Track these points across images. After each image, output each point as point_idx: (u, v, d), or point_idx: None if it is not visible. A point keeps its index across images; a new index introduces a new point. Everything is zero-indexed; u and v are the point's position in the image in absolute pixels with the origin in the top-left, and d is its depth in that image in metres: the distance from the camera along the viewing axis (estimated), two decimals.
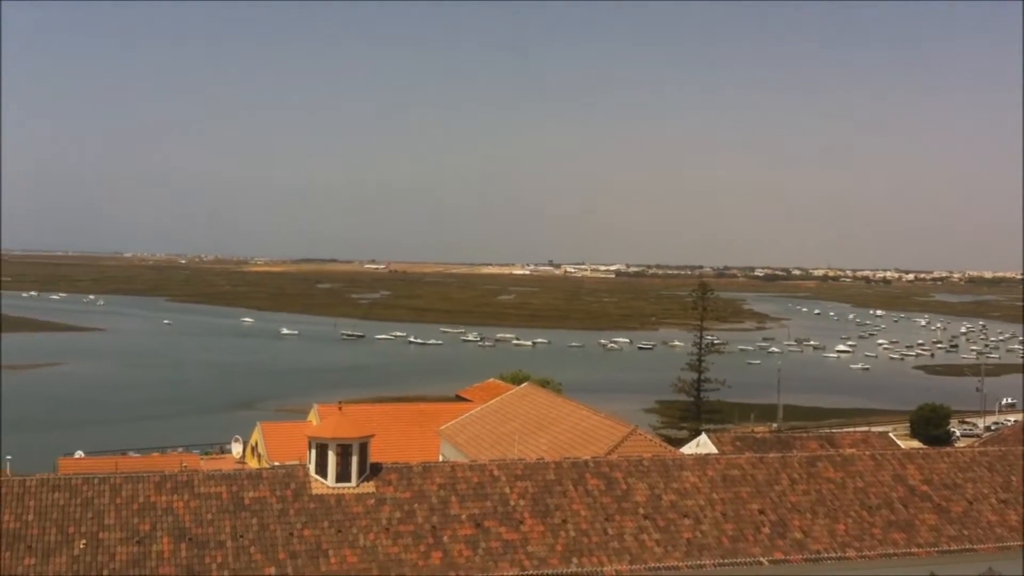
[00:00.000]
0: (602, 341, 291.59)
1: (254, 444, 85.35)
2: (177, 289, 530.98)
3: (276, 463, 62.06)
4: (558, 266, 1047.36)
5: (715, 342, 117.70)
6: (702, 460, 37.76)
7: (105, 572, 29.33)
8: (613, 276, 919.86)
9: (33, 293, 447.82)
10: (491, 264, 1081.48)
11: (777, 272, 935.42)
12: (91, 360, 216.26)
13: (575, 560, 31.95)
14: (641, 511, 34.23)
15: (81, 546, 30.00)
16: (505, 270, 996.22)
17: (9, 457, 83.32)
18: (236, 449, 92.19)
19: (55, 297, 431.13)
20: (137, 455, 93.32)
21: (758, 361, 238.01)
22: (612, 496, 34.60)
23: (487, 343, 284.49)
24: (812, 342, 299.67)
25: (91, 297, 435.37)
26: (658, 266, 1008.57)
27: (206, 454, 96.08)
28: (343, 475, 33.18)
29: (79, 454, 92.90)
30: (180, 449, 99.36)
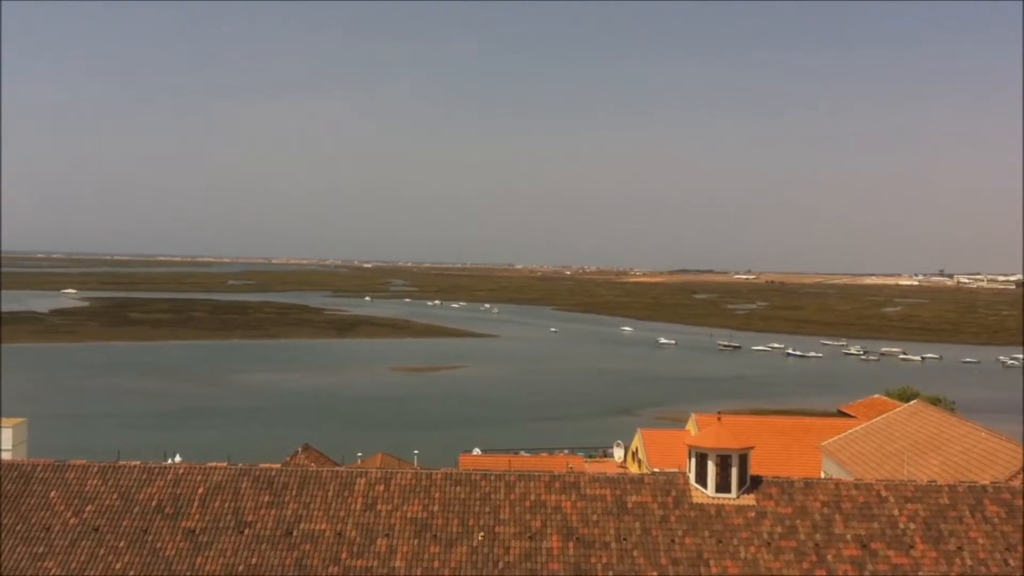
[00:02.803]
0: (1001, 357, 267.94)
1: (634, 449, 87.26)
2: (562, 299, 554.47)
3: (655, 469, 63.20)
4: (950, 276, 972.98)
5: None
6: None
7: (500, 564, 31.46)
8: (1014, 287, 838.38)
9: (437, 302, 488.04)
10: (874, 274, 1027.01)
11: None
12: (487, 364, 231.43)
13: None
14: None
15: (479, 538, 32.39)
16: (890, 280, 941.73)
17: (416, 451, 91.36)
18: (618, 453, 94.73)
19: (455, 306, 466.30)
20: (527, 454, 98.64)
21: None
22: (1014, 525, 31.98)
23: (871, 357, 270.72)
24: None
25: (487, 306, 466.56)
26: None
27: (590, 457, 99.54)
28: (723, 485, 33.33)
29: (476, 451, 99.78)
30: (566, 451, 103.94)
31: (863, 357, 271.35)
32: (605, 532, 32.32)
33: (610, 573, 30.97)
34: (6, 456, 47.96)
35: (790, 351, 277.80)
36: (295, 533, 32.98)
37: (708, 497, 33.28)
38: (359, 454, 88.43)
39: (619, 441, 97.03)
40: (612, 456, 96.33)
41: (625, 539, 32.00)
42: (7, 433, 52.38)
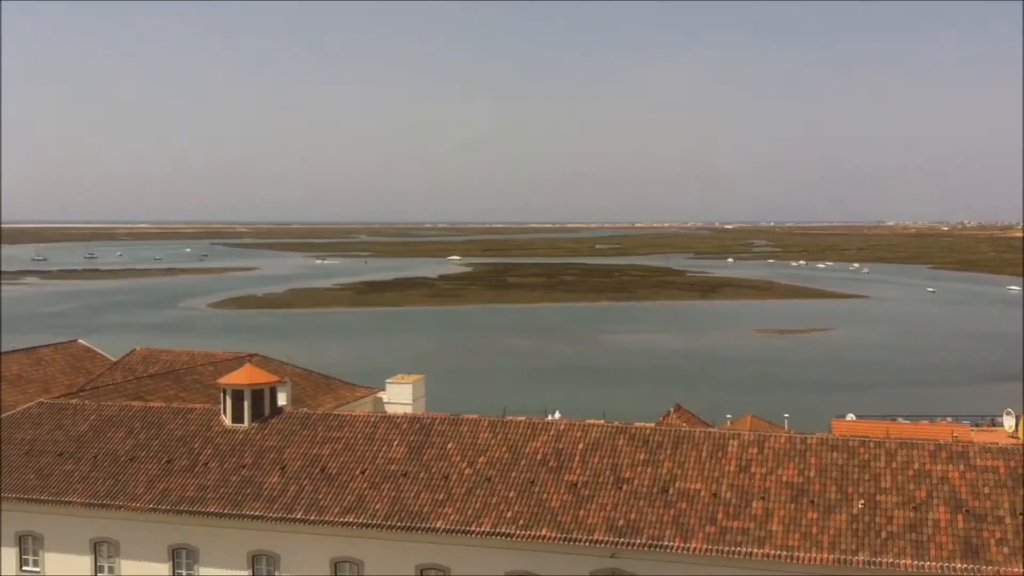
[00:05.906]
0: None
1: None
2: (939, 256, 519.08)
3: None
4: None
5: None
6: None
7: (883, 534, 30.68)
8: None
9: (801, 262, 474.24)
10: None
11: None
12: (858, 326, 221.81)
13: None
14: None
15: (860, 506, 31.75)
16: None
17: (786, 415, 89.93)
18: (1008, 423, 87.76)
19: (820, 266, 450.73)
20: (905, 422, 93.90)
21: None
22: None
23: None
24: None
25: (856, 265, 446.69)
26: None
27: (976, 426, 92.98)
28: None
29: (850, 416, 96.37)
30: (949, 419, 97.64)
31: None
32: (998, 506, 30.55)
33: (1005, 549, 29.28)
34: (407, 409, 53.23)
35: None
36: (671, 491, 34.03)
37: None
38: (728, 416, 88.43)
39: (1009, 409, 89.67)
40: (1001, 425, 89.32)
41: (1022, 514, 30.06)
42: (407, 388, 58.05)
